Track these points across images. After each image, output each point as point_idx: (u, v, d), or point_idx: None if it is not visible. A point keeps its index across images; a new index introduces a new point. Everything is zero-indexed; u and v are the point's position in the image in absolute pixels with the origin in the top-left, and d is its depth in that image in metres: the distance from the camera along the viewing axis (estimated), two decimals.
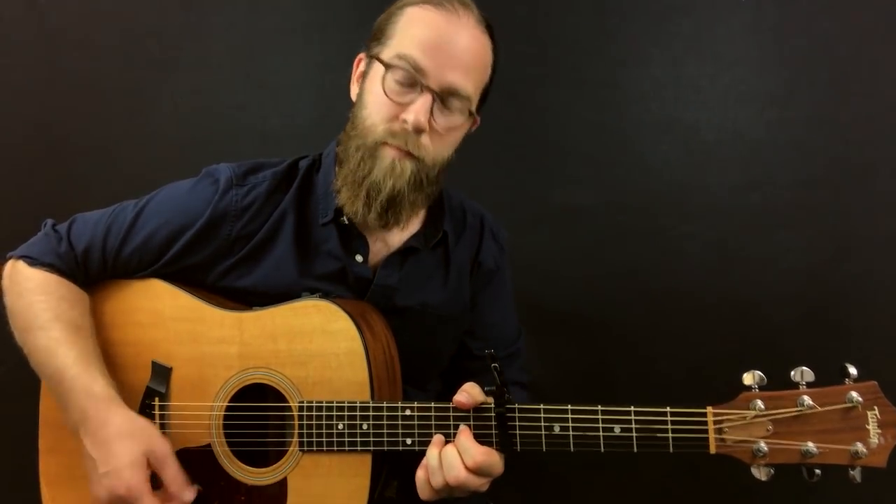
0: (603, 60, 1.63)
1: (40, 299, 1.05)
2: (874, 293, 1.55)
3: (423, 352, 1.14)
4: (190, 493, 0.98)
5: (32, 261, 1.09)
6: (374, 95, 1.03)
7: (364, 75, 1.08)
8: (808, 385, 0.87)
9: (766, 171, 1.58)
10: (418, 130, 1.00)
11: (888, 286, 1.55)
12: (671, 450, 0.88)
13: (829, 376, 0.88)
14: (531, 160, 1.65)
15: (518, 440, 0.92)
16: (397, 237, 1.14)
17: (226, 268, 1.10)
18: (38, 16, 1.73)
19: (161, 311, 1.10)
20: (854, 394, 0.85)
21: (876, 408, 0.85)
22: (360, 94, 1.08)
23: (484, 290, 1.21)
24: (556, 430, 0.91)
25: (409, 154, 1.02)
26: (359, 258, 1.11)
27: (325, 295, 1.07)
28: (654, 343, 1.62)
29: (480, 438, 0.92)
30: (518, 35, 1.64)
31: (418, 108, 0.99)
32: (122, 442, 0.96)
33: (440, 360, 1.21)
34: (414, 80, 1.00)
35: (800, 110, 1.57)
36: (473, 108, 1.06)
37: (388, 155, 1.02)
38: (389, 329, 1.08)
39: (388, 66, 1.01)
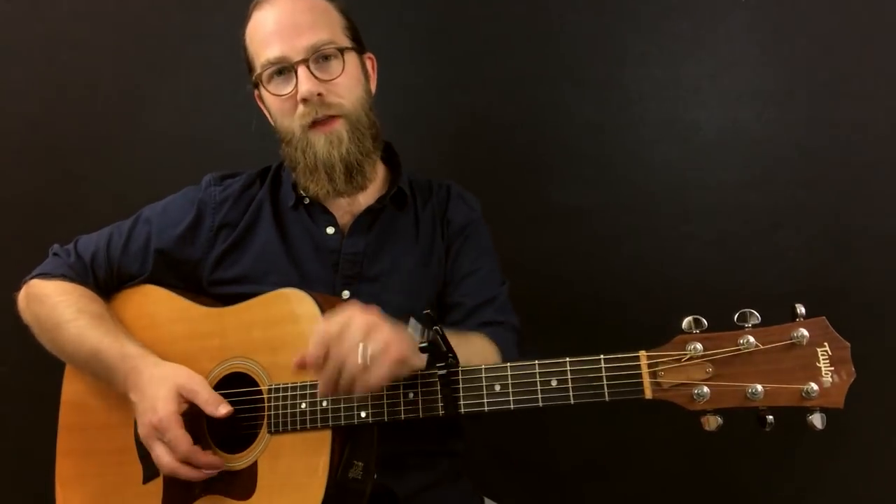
0: (603, 60, 1.63)
1: (62, 300, 1.14)
2: (874, 293, 1.56)
3: (407, 312, 1.14)
4: (223, 408, 1.02)
5: (46, 275, 1.19)
6: (273, 105, 1.15)
7: (263, 101, 1.20)
8: (754, 327, 0.82)
9: (766, 171, 1.58)
10: (315, 95, 1.09)
11: (888, 286, 1.55)
12: (607, 398, 0.88)
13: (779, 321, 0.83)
14: (531, 160, 1.65)
15: (461, 402, 0.93)
16: (362, 205, 1.20)
17: (216, 257, 1.19)
18: (38, 16, 1.73)
19: (159, 315, 1.17)
20: (802, 330, 0.78)
21: (826, 343, 0.78)
22: (270, 116, 1.20)
23: (457, 241, 1.25)
24: (497, 388, 0.92)
25: (330, 119, 1.12)
26: (330, 230, 1.19)
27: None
28: (654, 343, 1.62)
29: (426, 403, 0.95)
30: (518, 35, 1.64)
31: (301, 82, 1.09)
32: (155, 384, 1.04)
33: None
34: (284, 70, 1.11)
35: (800, 110, 1.57)
36: (343, 45, 1.14)
37: (318, 134, 1.12)
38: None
39: (262, 78, 1.14)
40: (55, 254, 1.23)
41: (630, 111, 1.63)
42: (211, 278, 1.19)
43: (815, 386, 0.78)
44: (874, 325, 1.55)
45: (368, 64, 1.22)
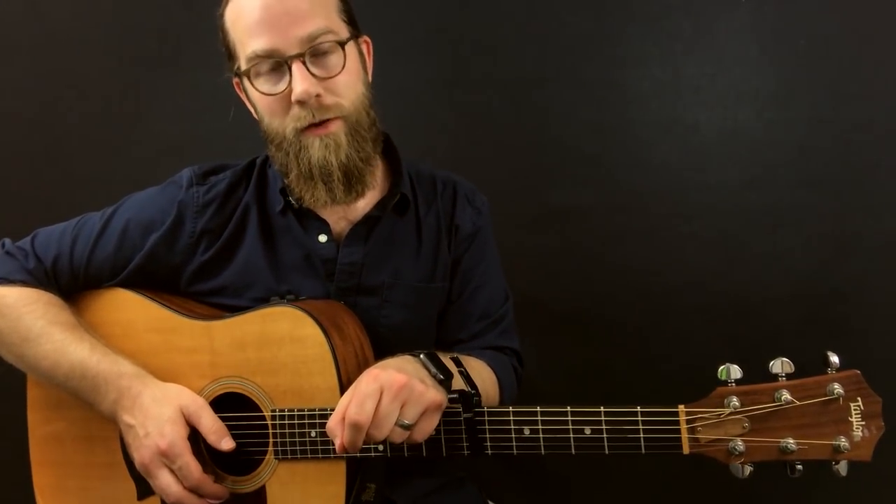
0: (603, 60, 1.63)
1: (28, 310, 1.04)
2: (874, 293, 1.56)
3: (407, 328, 1.11)
4: (227, 443, 0.97)
5: (1, 280, 1.06)
6: (261, 102, 1.03)
7: (246, 93, 1.08)
8: (788, 377, 0.83)
9: (766, 171, 1.58)
10: (312, 97, 0.98)
11: (888, 286, 1.55)
12: (643, 451, 0.86)
13: (811, 367, 0.85)
14: (531, 160, 1.65)
15: (489, 444, 0.91)
16: (358, 210, 1.11)
17: (196, 267, 1.10)
18: (38, 16, 1.73)
19: (134, 323, 1.08)
20: (835, 385, 0.81)
21: (859, 398, 0.81)
22: (255, 110, 1.08)
23: (466, 253, 1.17)
24: (526, 432, 0.89)
25: (327, 122, 1.00)
26: (322, 238, 1.09)
27: (296, 298, 1.05)
28: (654, 343, 1.62)
29: (451, 441, 0.92)
30: (518, 35, 1.64)
31: (297, 81, 0.97)
32: (157, 405, 0.98)
33: (428, 335, 1.17)
34: (275, 65, 0.99)
35: (800, 110, 1.57)
36: (342, 35, 1.02)
37: (312, 137, 1.00)
38: (363, 331, 1.05)
39: (248, 74, 1.01)
40: (8, 252, 1.09)
41: (630, 111, 1.63)
42: (189, 290, 1.11)
43: (846, 441, 0.81)
44: (874, 325, 1.55)
45: (364, 48, 1.09)
